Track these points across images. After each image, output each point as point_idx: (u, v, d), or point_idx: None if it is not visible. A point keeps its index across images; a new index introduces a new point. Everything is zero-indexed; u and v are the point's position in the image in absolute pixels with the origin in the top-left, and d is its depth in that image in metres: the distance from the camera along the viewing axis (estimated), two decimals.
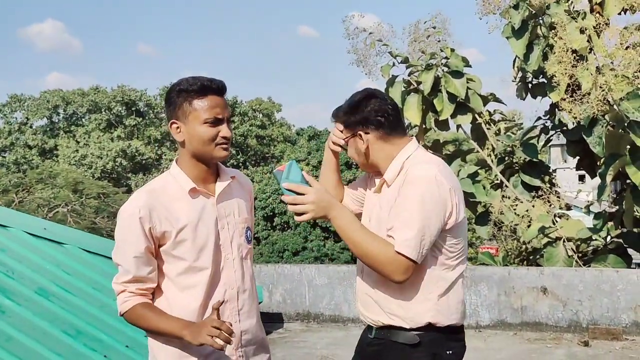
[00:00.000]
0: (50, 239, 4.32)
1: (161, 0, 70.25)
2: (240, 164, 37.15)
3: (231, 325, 1.66)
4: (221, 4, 71.06)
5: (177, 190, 1.80)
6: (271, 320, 6.38)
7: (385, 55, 6.18)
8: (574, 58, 4.54)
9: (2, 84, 69.44)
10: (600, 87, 4.24)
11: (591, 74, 4.29)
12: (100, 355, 3.17)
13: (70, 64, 72.52)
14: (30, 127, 37.42)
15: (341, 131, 1.99)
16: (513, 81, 6.43)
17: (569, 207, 7.27)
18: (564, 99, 4.58)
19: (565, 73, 4.38)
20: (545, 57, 5.33)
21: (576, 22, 4.82)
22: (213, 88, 1.79)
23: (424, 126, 6.18)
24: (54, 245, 4.30)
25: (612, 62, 4.37)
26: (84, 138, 35.82)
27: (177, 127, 1.80)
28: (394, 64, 6.15)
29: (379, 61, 6.20)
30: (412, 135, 2.12)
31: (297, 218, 1.80)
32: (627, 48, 4.38)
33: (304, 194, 1.78)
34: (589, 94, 4.35)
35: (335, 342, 5.27)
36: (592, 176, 6.32)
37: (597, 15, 4.91)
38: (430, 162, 1.89)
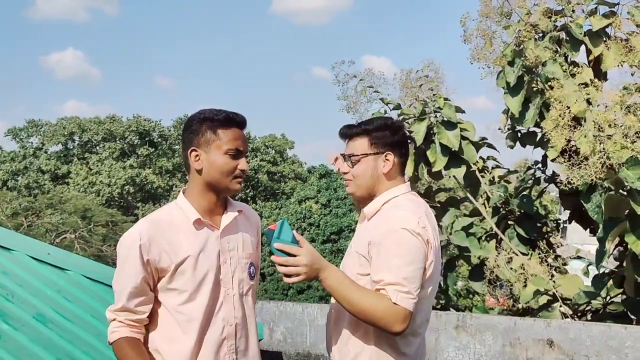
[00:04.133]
0: (53, 264, 4.31)
1: (181, 36, 71.68)
2: (250, 199, 37.19)
3: None
4: (240, 44, 72.34)
5: (182, 221, 1.79)
6: (271, 359, 6.28)
7: (376, 102, 6.02)
8: (572, 120, 4.48)
9: (21, 110, 70.62)
10: (601, 152, 4.18)
11: (590, 141, 4.24)
12: None
13: (89, 93, 73.69)
14: (45, 152, 37.83)
15: (344, 157, 1.98)
16: (499, 129, 6.34)
17: (579, 256, 7.12)
18: (561, 162, 4.54)
19: (562, 136, 4.34)
20: (541, 113, 5.27)
21: (574, 79, 4.77)
22: (237, 121, 1.82)
23: (416, 174, 6.08)
24: (57, 270, 4.28)
25: (610, 126, 4.31)
26: (97, 165, 36.13)
27: (197, 155, 1.80)
28: (385, 112, 5.99)
29: (370, 108, 6.03)
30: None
31: (287, 280, 1.77)
32: (627, 113, 4.33)
33: (295, 255, 1.75)
34: (587, 158, 4.29)
35: None
36: (585, 228, 6.17)
37: (594, 70, 4.85)
38: (413, 214, 1.88)
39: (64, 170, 36.61)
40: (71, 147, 38.73)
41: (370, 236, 1.86)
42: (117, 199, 34.53)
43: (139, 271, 1.73)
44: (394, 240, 1.81)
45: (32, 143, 38.45)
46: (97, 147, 38.18)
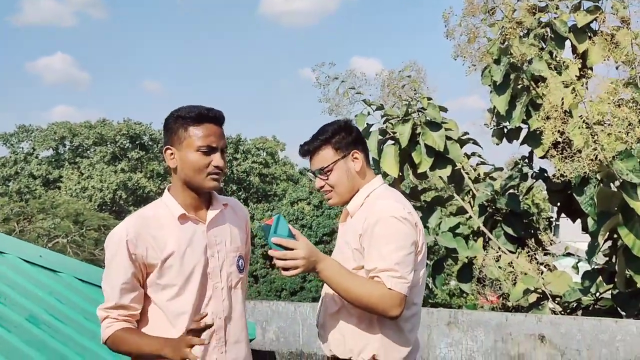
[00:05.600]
0: (45, 266, 4.31)
1: (169, 39, 71.48)
2: (242, 201, 37.15)
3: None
4: (227, 46, 72.23)
5: (167, 217, 1.80)
6: (264, 359, 6.28)
7: (359, 103, 5.95)
8: (564, 114, 4.48)
9: (9, 116, 70.10)
10: (594, 143, 4.19)
11: (583, 133, 4.25)
12: None
13: (77, 97, 73.26)
14: (36, 157, 37.64)
15: (320, 169, 2.00)
16: (485, 125, 6.30)
17: (569, 253, 7.14)
18: (553, 156, 4.53)
19: (555, 129, 4.34)
20: (527, 111, 5.27)
21: (560, 75, 4.78)
22: (210, 117, 1.80)
23: (401, 175, 6.03)
24: (49, 273, 4.28)
25: (602, 118, 4.32)
26: (89, 170, 35.98)
27: (171, 153, 1.82)
28: (368, 113, 5.92)
29: (353, 109, 5.95)
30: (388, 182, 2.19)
31: (284, 273, 1.79)
32: (619, 106, 4.34)
33: (292, 249, 1.78)
34: (580, 151, 4.30)
35: None
36: (574, 221, 6.15)
37: (580, 65, 4.85)
38: (397, 201, 1.95)
39: (56, 175, 36.44)
40: (62, 152, 38.56)
41: (360, 228, 1.91)
42: (109, 203, 34.40)
43: (128, 266, 1.74)
44: (382, 228, 1.85)
45: (22, 148, 38.25)
46: (88, 152, 38.04)
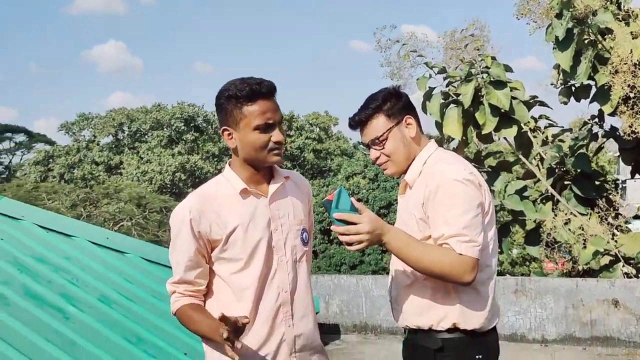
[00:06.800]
0: (112, 248, 4.44)
1: (217, 20, 72.09)
2: None
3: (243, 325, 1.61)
4: (274, 21, 72.29)
5: (229, 192, 1.79)
6: (328, 332, 6.32)
7: (420, 66, 5.82)
8: (634, 67, 4.20)
9: (70, 105, 72.86)
10: None
11: None
12: None
13: (132, 83, 75.35)
14: (97, 144, 38.92)
15: (375, 138, 1.94)
16: (552, 85, 6.04)
17: (637, 216, 6.85)
18: (623, 112, 4.27)
19: (624, 84, 4.08)
20: (594, 67, 5.00)
21: (628, 26, 4.49)
22: (262, 92, 1.73)
23: (464, 138, 5.85)
24: (116, 254, 4.41)
25: None
26: (147, 154, 36.96)
27: (229, 134, 1.78)
28: (430, 76, 5.80)
29: (415, 73, 5.83)
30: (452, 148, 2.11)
31: (349, 248, 1.73)
32: None
33: (355, 223, 1.71)
34: None
35: (393, 354, 5.16)
36: None
37: None
38: (457, 163, 1.88)
39: (117, 161, 37.61)
40: (121, 138, 39.71)
41: (422, 197, 1.85)
42: (168, 185, 35.29)
43: (192, 244, 1.74)
44: (445, 193, 1.79)
45: (84, 136, 39.60)
46: (146, 136, 39.02)
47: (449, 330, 1.84)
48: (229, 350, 1.57)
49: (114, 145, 39.13)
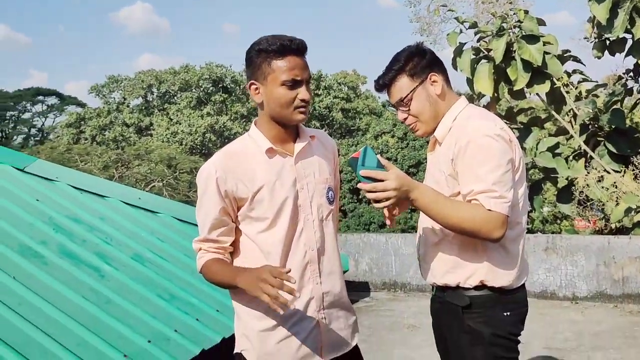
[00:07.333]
0: (145, 208, 4.52)
1: None
2: None
3: (295, 282, 1.58)
4: None
5: (255, 151, 1.79)
6: (357, 290, 6.39)
7: (451, 21, 5.72)
8: None
9: (97, 67, 73.29)
10: None
11: None
12: (192, 319, 3.29)
13: (160, 45, 75.36)
14: (127, 106, 39.30)
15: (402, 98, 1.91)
16: (586, 39, 5.82)
17: None
18: None
19: None
20: (631, 19, 4.79)
21: None
22: (293, 48, 1.72)
23: (496, 94, 5.73)
24: (148, 214, 4.49)
25: None
26: (177, 115, 37.21)
27: (256, 88, 1.77)
28: (461, 31, 5.68)
29: (445, 28, 5.75)
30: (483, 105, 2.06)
31: (376, 205, 1.72)
32: None
33: (382, 180, 1.69)
34: None
35: (422, 310, 5.21)
36: None
37: None
38: (487, 118, 1.84)
39: (147, 122, 37.99)
40: (151, 100, 40.00)
41: (452, 153, 1.82)
42: (198, 146, 35.59)
43: (218, 202, 1.75)
44: (475, 149, 1.76)
45: (114, 98, 40.00)
46: (175, 97, 39.23)
47: (476, 288, 1.84)
48: (272, 300, 1.54)
49: (143, 107, 39.47)
